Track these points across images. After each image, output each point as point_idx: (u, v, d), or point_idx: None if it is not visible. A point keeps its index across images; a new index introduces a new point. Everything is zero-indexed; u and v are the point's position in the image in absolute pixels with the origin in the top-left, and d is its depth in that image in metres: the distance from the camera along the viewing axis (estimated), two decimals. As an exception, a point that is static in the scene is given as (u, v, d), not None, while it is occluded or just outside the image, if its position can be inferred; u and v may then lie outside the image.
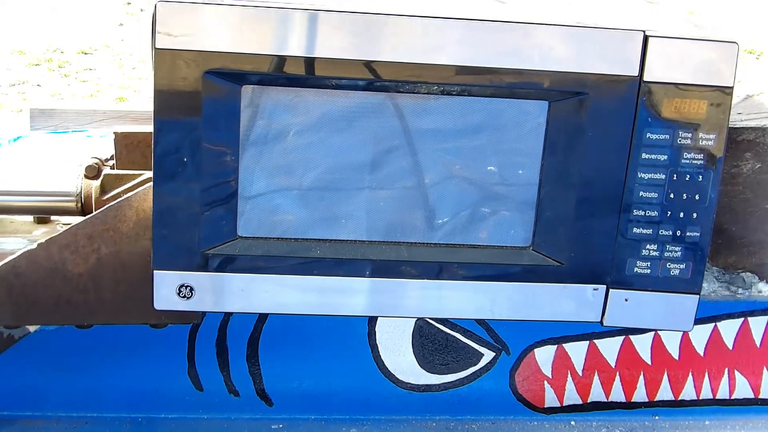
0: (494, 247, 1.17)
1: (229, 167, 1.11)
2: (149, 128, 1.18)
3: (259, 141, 1.12)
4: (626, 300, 1.19)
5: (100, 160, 1.53)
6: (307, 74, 1.08)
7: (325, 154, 1.13)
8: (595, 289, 1.19)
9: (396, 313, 1.20)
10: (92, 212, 1.30)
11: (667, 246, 1.17)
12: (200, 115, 1.08)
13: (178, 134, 1.09)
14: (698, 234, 1.16)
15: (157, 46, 1.05)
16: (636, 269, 1.18)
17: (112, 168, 1.51)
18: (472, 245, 1.17)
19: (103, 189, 1.46)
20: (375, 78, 1.09)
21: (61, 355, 1.45)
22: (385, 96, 1.11)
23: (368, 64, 1.08)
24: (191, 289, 1.16)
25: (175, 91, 1.07)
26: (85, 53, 4.21)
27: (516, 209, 1.16)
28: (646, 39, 1.10)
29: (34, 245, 1.25)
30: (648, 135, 1.12)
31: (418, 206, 1.16)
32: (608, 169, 1.14)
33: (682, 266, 1.18)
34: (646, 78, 1.11)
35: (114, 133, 1.49)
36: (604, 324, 1.21)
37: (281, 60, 1.07)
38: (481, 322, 1.48)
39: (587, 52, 1.10)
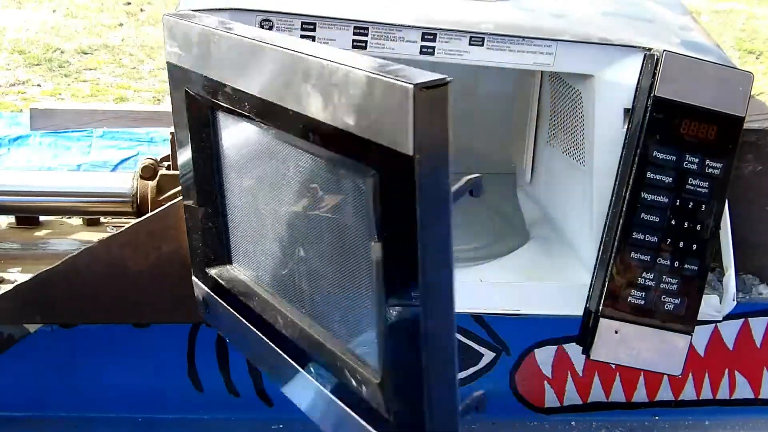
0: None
1: (215, 192, 1.06)
2: None
3: (228, 169, 1.04)
4: (616, 332, 1.13)
5: (155, 160, 1.53)
6: (229, 104, 0.95)
7: (248, 193, 1.02)
8: None
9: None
10: (147, 213, 1.28)
11: (664, 276, 1.11)
12: (190, 134, 1.04)
13: (183, 152, 1.07)
14: (696, 268, 1.11)
15: (166, 59, 1.03)
16: (630, 298, 1.12)
17: (168, 168, 1.50)
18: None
19: (159, 189, 1.45)
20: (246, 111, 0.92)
21: (61, 355, 1.45)
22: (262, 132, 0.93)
23: (237, 95, 0.91)
24: (207, 304, 1.12)
25: (176, 108, 1.05)
26: (85, 53, 4.20)
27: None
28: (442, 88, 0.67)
29: (94, 243, 1.23)
30: (654, 154, 1.09)
31: (291, 271, 0.97)
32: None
33: (677, 301, 1.13)
34: (657, 93, 1.07)
35: (171, 133, 1.46)
36: (591, 358, 1.15)
37: (220, 87, 0.94)
38: (481, 322, 1.48)
39: (361, 107, 0.72)
